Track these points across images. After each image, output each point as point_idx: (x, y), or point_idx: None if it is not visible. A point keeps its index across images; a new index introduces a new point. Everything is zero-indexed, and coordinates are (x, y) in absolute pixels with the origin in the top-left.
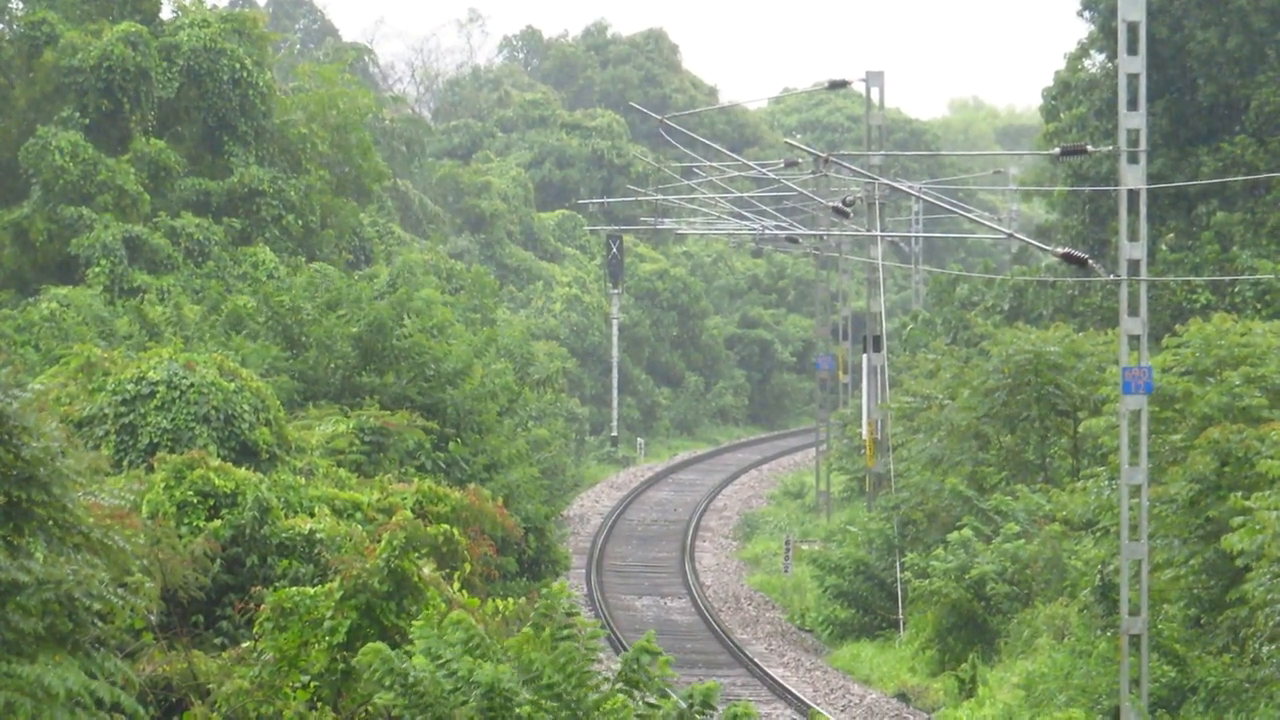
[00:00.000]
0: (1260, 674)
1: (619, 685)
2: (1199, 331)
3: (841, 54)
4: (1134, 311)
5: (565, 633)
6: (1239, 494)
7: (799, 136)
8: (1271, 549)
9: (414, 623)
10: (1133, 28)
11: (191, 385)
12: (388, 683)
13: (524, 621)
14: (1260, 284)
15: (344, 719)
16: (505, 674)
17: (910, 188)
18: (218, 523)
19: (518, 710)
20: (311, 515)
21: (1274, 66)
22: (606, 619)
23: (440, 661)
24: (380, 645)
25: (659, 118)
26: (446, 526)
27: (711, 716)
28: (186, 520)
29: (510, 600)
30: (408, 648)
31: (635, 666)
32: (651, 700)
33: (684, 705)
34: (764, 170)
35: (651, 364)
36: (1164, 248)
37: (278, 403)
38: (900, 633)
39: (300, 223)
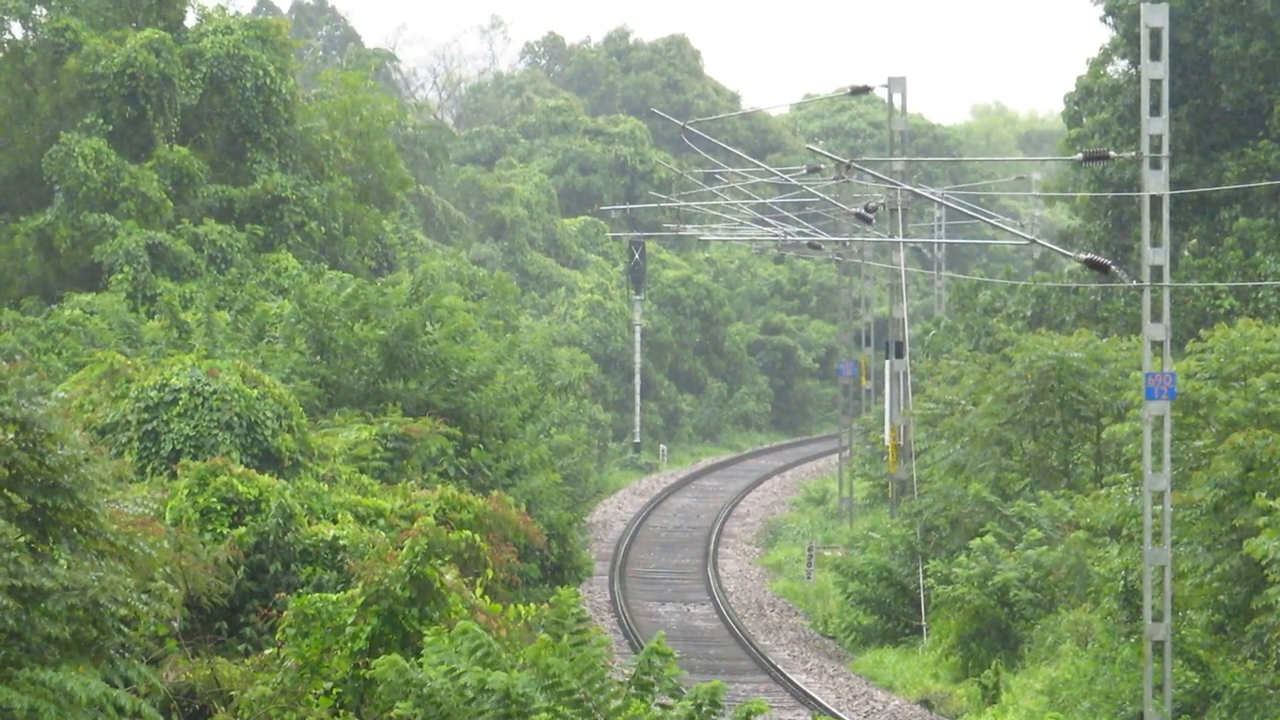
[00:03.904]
0: None
1: (632, 689)
2: (1223, 337)
3: (864, 60)
4: (1157, 317)
5: (577, 638)
6: (1263, 494)
7: (821, 142)
8: None
9: (426, 637)
10: (1156, 33)
11: (214, 392)
12: (402, 692)
13: (547, 627)
14: None
15: None
16: (520, 681)
17: (933, 193)
18: (241, 529)
19: (534, 718)
20: (334, 522)
21: None
22: (630, 625)
23: (453, 674)
24: (395, 657)
25: (681, 124)
26: (469, 533)
27: (722, 715)
28: (210, 527)
29: (533, 606)
30: (425, 657)
31: (648, 668)
32: (664, 701)
33: (692, 705)
34: (786, 176)
35: (674, 370)
36: (1187, 253)
37: (300, 409)
38: (923, 639)
39: (323, 229)
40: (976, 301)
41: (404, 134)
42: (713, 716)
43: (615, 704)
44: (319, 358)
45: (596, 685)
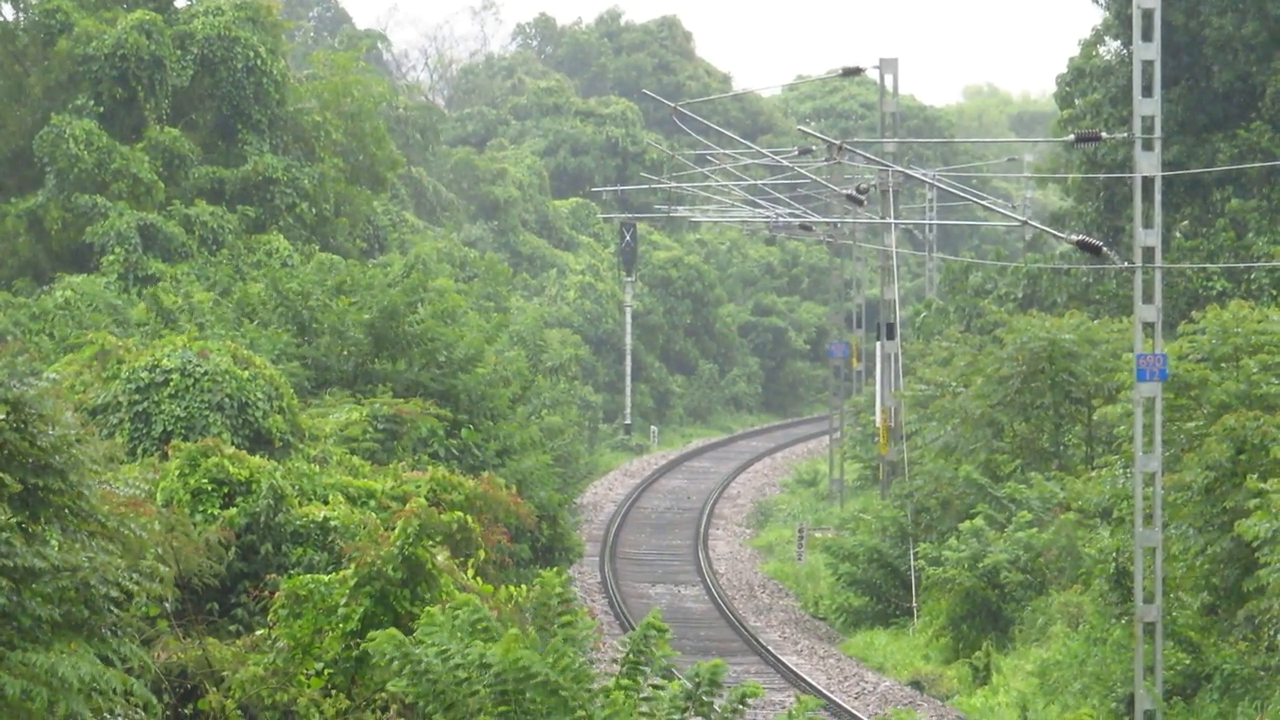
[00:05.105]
0: (1275, 661)
1: (625, 669)
2: (1215, 318)
3: (855, 41)
4: (1148, 299)
5: (564, 620)
6: (1254, 476)
7: (812, 124)
8: None
9: (419, 618)
10: (1148, 14)
11: (205, 373)
12: (397, 668)
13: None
14: (1276, 271)
15: (358, 706)
16: (519, 657)
17: (924, 175)
18: (232, 510)
19: (530, 694)
20: (326, 503)
21: None
22: (620, 606)
23: (446, 652)
24: (393, 631)
25: (673, 105)
26: (460, 514)
27: (719, 695)
28: (201, 508)
29: (524, 587)
30: (419, 635)
31: (641, 648)
32: (656, 682)
33: (691, 686)
34: (777, 158)
35: (665, 351)
36: (1179, 235)
37: (291, 390)
38: (914, 620)
39: (314, 211)
40: (968, 283)
41: (395, 115)
42: (712, 696)
43: (597, 686)
44: (301, 338)
45: (571, 673)
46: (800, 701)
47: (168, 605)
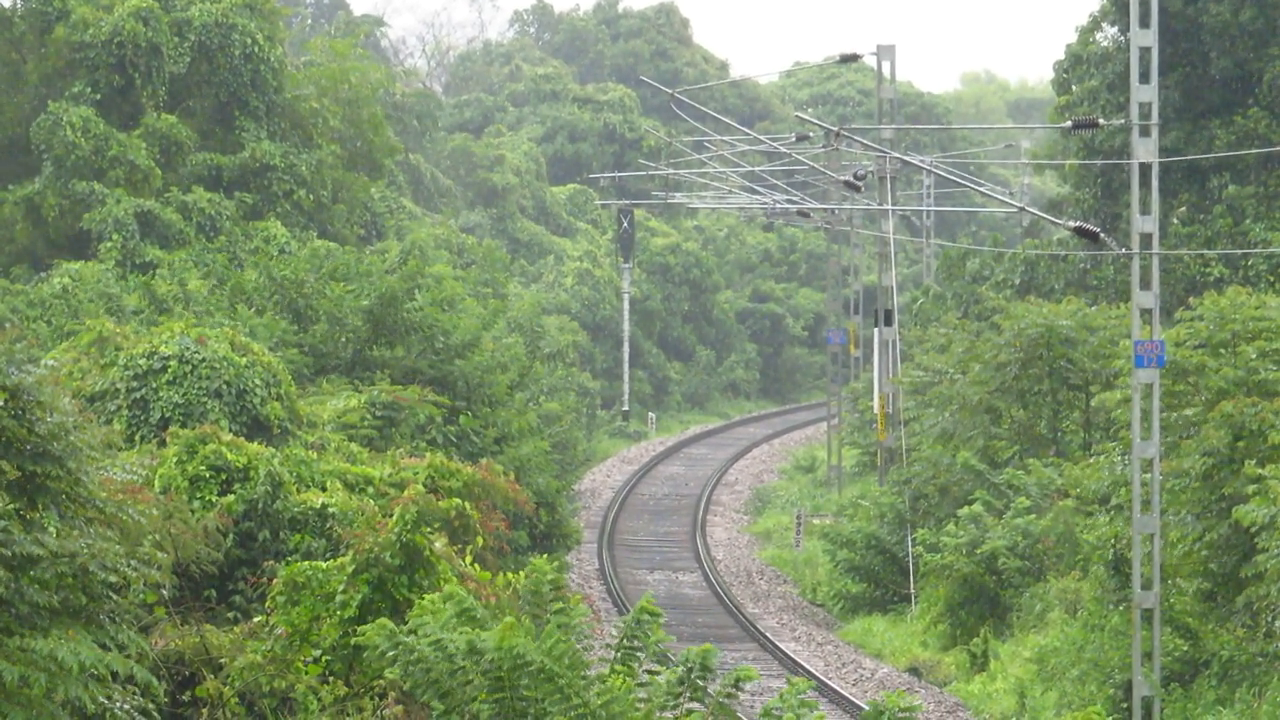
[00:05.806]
0: (1273, 647)
1: (619, 654)
2: (1213, 305)
3: (853, 27)
4: (1146, 285)
5: (558, 607)
6: (1252, 462)
7: (810, 110)
8: None
9: (412, 611)
10: (1145, 0)
11: (203, 360)
12: (390, 658)
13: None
14: (1273, 257)
15: (356, 693)
16: (513, 645)
17: (921, 161)
18: (230, 497)
19: (525, 682)
20: (323, 490)
21: None
22: (618, 593)
23: (440, 641)
24: (384, 621)
25: (670, 92)
26: (458, 501)
27: (712, 680)
28: (199, 495)
29: (522, 574)
30: (412, 624)
31: (635, 630)
32: (651, 667)
33: (684, 670)
34: (775, 144)
35: (663, 338)
36: (1176, 221)
37: (289, 377)
38: (912, 607)
39: (311, 197)
40: (965, 269)
41: (392, 102)
42: (704, 681)
43: (594, 672)
44: (298, 325)
45: (566, 660)
46: (791, 684)
47: (165, 592)
